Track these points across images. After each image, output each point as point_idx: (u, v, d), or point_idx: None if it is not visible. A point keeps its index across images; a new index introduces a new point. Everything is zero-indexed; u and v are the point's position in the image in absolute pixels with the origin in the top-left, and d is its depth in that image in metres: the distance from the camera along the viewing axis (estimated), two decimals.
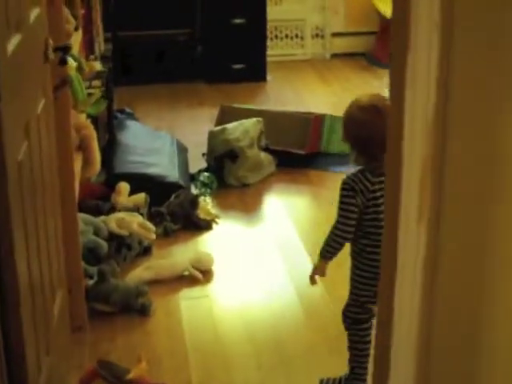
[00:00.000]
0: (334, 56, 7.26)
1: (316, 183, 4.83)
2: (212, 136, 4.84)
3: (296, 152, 4.93)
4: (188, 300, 3.60)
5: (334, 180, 4.79)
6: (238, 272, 3.82)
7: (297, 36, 7.22)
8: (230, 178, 4.72)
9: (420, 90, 1.46)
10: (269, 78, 6.65)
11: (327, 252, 2.76)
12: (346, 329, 2.88)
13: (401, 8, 1.48)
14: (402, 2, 1.48)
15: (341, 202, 2.70)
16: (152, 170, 4.44)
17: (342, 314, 2.88)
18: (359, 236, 2.75)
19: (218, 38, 6.54)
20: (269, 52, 6.70)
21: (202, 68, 6.62)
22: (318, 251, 2.80)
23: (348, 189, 2.68)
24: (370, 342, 2.84)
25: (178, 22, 6.54)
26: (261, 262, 3.91)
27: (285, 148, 4.94)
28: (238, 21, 6.50)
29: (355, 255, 2.79)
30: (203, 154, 4.91)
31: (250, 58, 6.57)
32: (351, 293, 2.83)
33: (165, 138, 4.97)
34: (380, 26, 6.83)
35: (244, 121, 4.85)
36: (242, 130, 4.76)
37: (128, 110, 5.54)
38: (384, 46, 6.97)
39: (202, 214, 4.27)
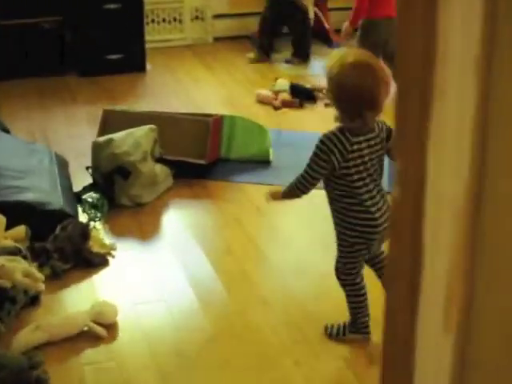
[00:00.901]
0: (217, 40, 6.65)
1: (217, 196, 4.27)
2: (97, 148, 4.18)
3: (196, 162, 4.34)
4: (92, 364, 2.99)
5: (235, 191, 4.29)
6: (147, 317, 3.24)
7: (175, 19, 6.56)
8: (122, 198, 4.09)
9: (448, 159, 0.94)
10: (148, 67, 6.00)
11: (286, 194, 2.98)
12: (341, 285, 3.02)
13: (418, 35, 0.91)
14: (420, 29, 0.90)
15: (313, 157, 2.84)
16: (30, 196, 3.75)
17: (335, 270, 3.00)
18: (342, 195, 2.86)
19: (89, 25, 5.81)
20: (146, 38, 6.02)
21: (73, 59, 5.89)
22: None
23: (323, 149, 2.80)
24: (365, 293, 3.00)
25: (43, 8, 5.77)
26: (172, 300, 3.34)
27: (183, 158, 4.35)
28: (111, 6, 5.79)
29: (338, 214, 2.90)
30: (87, 168, 4.26)
31: (126, 47, 5.90)
32: (339, 250, 2.97)
33: (41, 152, 4.25)
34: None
35: (134, 130, 4.22)
36: (132, 141, 4.13)
37: None
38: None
39: (95, 247, 3.64)
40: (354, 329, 3.07)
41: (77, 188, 4.15)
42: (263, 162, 4.57)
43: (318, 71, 6.01)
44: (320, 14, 6.52)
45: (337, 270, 3.01)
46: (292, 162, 4.54)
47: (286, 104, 5.34)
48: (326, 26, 6.51)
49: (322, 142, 2.82)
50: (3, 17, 5.67)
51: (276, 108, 5.31)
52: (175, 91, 5.63)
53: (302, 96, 5.41)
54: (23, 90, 5.61)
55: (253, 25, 6.35)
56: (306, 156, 4.56)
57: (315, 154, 2.84)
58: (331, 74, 2.77)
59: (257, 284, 3.49)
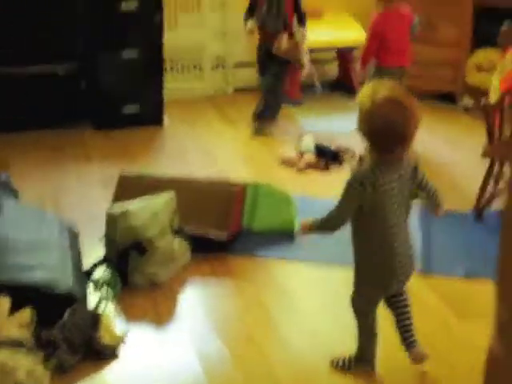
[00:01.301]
0: (237, 91, 6.37)
1: (238, 274, 3.97)
2: (112, 220, 3.88)
3: (217, 239, 4.04)
4: None
5: (258, 268, 3.99)
6: None
7: (195, 67, 6.28)
8: (137, 276, 3.79)
9: None
10: (166, 120, 5.70)
11: (318, 227, 3.01)
12: (355, 315, 3.07)
13: None
14: None
15: (344, 194, 2.85)
16: (38, 276, 3.44)
17: (350, 300, 3.05)
18: (365, 230, 2.90)
19: (106, 73, 5.53)
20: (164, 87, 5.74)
21: (88, 110, 5.61)
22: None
23: (354, 185, 2.81)
24: (376, 332, 3.06)
25: (57, 53, 5.49)
26: None
27: (203, 233, 4.04)
28: (130, 54, 5.50)
29: (360, 250, 2.95)
30: (100, 239, 3.97)
31: (144, 97, 5.60)
32: (355, 284, 3.02)
33: (52, 222, 3.94)
34: None
35: (151, 198, 3.93)
36: (149, 212, 3.83)
37: (3, 174, 4.43)
38: (292, 79, 6.13)
39: (105, 337, 3.34)
40: (359, 363, 3.15)
41: (87, 259, 3.86)
42: (288, 235, 4.26)
43: (342, 129, 5.72)
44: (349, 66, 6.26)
45: (352, 300, 3.07)
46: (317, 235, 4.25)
47: (310, 166, 5.05)
48: (353, 78, 6.24)
49: (354, 178, 2.83)
50: (13, 63, 5.38)
51: (299, 170, 5.02)
52: (194, 148, 5.34)
53: (327, 157, 5.12)
54: (35, 143, 5.34)
55: None
56: None
57: (346, 190, 2.85)
58: (363, 108, 2.80)
59: (280, 380, 3.19)
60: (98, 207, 4.36)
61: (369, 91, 2.82)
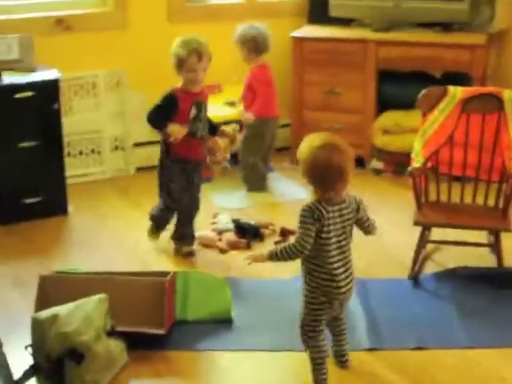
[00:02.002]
0: (139, 170, 6.15)
1: (182, 371, 3.71)
2: (39, 326, 3.56)
3: (154, 333, 3.78)
4: None
5: (202, 362, 3.75)
6: None
7: (93, 151, 6.03)
8: None
9: None
10: (70, 209, 5.41)
11: (275, 255, 3.34)
12: (304, 342, 3.41)
13: None
14: None
15: (301, 225, 3.24)
16: None
17: (300, 328, 3.40)
18: (313, 258, 3.30)
19: (2, 166, 5.21)
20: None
21: None
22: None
23: (307, 216, 3.23)
24: (327, 353, 3.40)
25: None
26: None
27: (138, 329, 3.78)
28: (27, 143, 5.21)
29: (308, 274, 3.37)
30: (26, 347, 3.64)
31: (45, 188, 5.30)
32: (305, 307, 3.38)
33: None
34: None
35: (82, 302, 3.62)
36: (81, 316, 3.54)
37: None
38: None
39: None
40: None
41: (14, 370, 3.52)
42: (225, 321, 4.04)
43: (255, 202, 5.59)
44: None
45: (302, 327, 3.38)
46: (255, 318, 4.08)
47: (232, 246, 4.85)
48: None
49: (304, 211, 3.24)
50: None
51: (222, 251, 4.81)
52: (105, 237, 5.06)
53: (248, 234, 4.94)
54: None
55: None
56: (268, 309, 4.15)
57: (303, 223, 3.23)
58: (304, 157, 3.24)
59: None
60: (17, 311, 4.05)
61: (307, 143, 3.26)
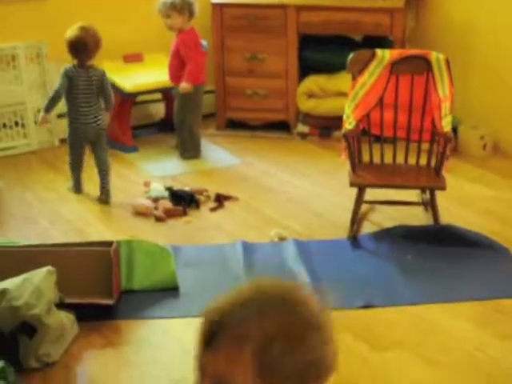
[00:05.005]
0: (64, 141, 6.05)
1: (133, 340, 3.75)
2: None
3: (104, 303, 3.78)
4: None
5: (152, 330, 3.79)
6: None
7: (17, 124, 5.92)
8: (29, 360, 3.46)
9: None
10: (0, 183, 5.31)
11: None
12: None
13: None
14: None
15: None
16: None
17: None
18: None
19: None
20: None
21: None
22: None
23: None
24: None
25: None
26: None
27: (87, 300, 3.77)
28: None
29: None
30: None
31: None
32: None
33: None
34: (119, 102, 5.74)
35: (29, 274, 3.59)
36: (31, 289, 3.51)
37: None
38: (122, 125, 5.92)
39: None
40: None
41: None
42: (171, 289, 4.06)
43: (183, 169, 5.60)
44: None
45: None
46: (200, 285, 4.11)
47: (169, 213, 4.86)
48: None
49: None
50: None
51: (159, 219, 4.82)
52: (39, 210, 5.00)
53: (184, 201, 4.95)
54: None
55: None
56: (211, 274, 4.20)
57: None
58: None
59: None
60: None
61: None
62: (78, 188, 5.22)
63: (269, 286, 1.55)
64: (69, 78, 4.95)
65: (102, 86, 5.01)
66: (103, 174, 5.08)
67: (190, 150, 5.74)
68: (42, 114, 5.09)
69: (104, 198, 5.07)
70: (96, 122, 5.05)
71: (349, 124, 4.48)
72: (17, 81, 5.90)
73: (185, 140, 5.74)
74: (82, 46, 4.92)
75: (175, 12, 5.51)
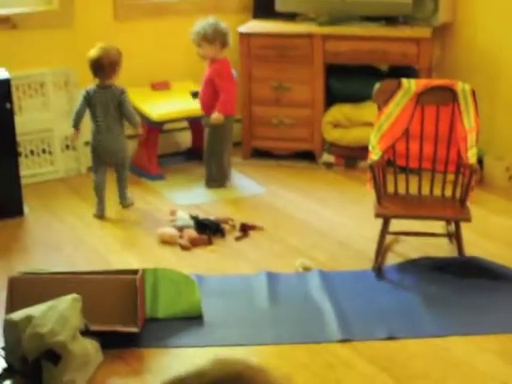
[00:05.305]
0: (91, 169, 6.10)
1: (156, 368, 3.73)
2: (12, 327, 3.55)
3: (129, 331, 3.79)
4: None
5: (174, 359, 3.76)
6: None
7: (44, 151, 5.98)
8: None
9: None
10: (26, 209, 5.35)
11: None
12: None
13: None
14: None
15: None
16: None
17: None
18: None
19: None
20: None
21: None
22: None
23: None
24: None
25: None
26: None
27: (112, 327, 3.79)
28: None
29: None
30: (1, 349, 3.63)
31: (0, 189, 5.24)
32: None
33: None
34: (146, 130, 5.79)
35: (55, 302, 3.62)
36: (56, 316, 3.53)
37: None
38: (149, 153, 5.96)
39: None
40: None
41: None
42: (195, 318, 4.07)
43: (209, 198, 5.62)
44: None
45: None
46: (224, 315, 4.12)
47: (194, 242, 4.87)
48: None
49: None
50: None
51: (184, 248, 4.83)
52: (64, 236, 5.03)
53: (209, 230, 4.97)
54: None
55: (131, 151, 5.85)
56: (236, 305, 4.20)
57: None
58: None
59: None
60: None
61: None
62: (99, 211, 5.29)
63: (230, 363, 1.47)
64: (86, 97, 5.18)
65: (120, 105, 5.15)
66: (120, 183, 5.37)
67: (216, 180, 5.76)
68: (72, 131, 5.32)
69: (124, 202, 5.37)
70: (116, 143, 5.22)
71: (374, 154, 4.48)
72: (45, 108, 5.96)
73: (213, 169, 5.76)
74: (99, 66, 5.14)
75: (206, 42, 5.56)
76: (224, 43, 5.59)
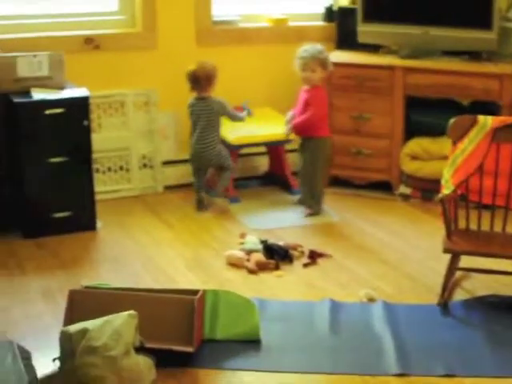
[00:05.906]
0: (167, 188, 6.19)
1: None
2: (67, 339, 3.57)
3: (183, 351, 3.79)
4: None
5: (229, 381, 3.73)
6: None
7: (121, 168, 6.07)
8: None
9: None
10: (99, 224, 5.44)
11: None
12: None
13: None
14: None
15: None
16: None
17: None
18: None
19: (33, 180, 5.25)
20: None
21: (16, 218, 5.32)
22: None
23: None
24: None
25: None
26: None
27: (167, 346, 3.79)
28: (57, 159, 5.26)
29: None
30: (54, 360, 3.66)
31: (74, 203, 5.35)
32: None
33: (2, 348, 3.60)
34: None
35: (111, 317, 3.62)
36: (110, 331, 3.55)
37: None
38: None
39: None
40: None
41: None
42: (253, 342, 4.04)
43: (282, 223, 5.60)
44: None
45: None
46: (283, 340, 4.07)
47: (261, 266, 4.86)
48: (286, 170, 6.19)
49: None
50: None
51: (251, 271, 4.82)
52: (133, 253, 5.09)
53: (277, 256, 4.94)
54: None
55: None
56: (295, 331, 4.16)
57: None
58: None
59: None
60: (44, 324, 4.10)
61: None
62: (198, 206, 5.80)
63: None
64: (189, 108, 5.73)
65: (224, 114, 5.73)
66: (220, 181, 5.85)
67: (313, 206, 5.74)
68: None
69: (210, 193, 5.89)
70: (207, 150, 5.67)
71: (446, 189, 4.40)
72: (124, 126, 6.06)
73: (308, 195, 5.75)
74: (194, 80, 5.62)
75: (321, 67, 5.60)
76: (328, 70, 5.69)
